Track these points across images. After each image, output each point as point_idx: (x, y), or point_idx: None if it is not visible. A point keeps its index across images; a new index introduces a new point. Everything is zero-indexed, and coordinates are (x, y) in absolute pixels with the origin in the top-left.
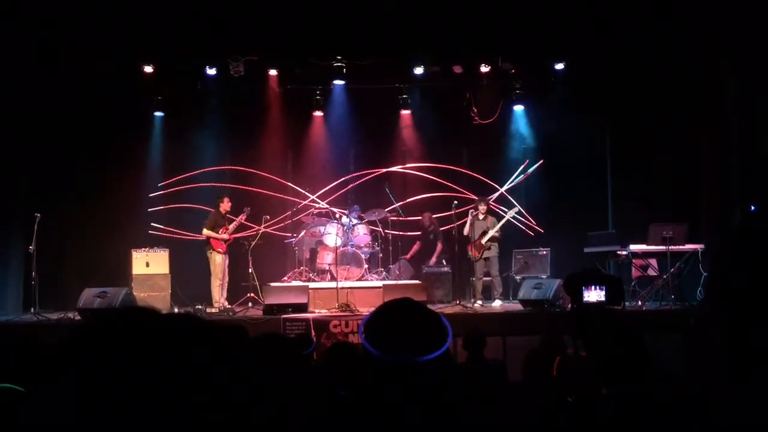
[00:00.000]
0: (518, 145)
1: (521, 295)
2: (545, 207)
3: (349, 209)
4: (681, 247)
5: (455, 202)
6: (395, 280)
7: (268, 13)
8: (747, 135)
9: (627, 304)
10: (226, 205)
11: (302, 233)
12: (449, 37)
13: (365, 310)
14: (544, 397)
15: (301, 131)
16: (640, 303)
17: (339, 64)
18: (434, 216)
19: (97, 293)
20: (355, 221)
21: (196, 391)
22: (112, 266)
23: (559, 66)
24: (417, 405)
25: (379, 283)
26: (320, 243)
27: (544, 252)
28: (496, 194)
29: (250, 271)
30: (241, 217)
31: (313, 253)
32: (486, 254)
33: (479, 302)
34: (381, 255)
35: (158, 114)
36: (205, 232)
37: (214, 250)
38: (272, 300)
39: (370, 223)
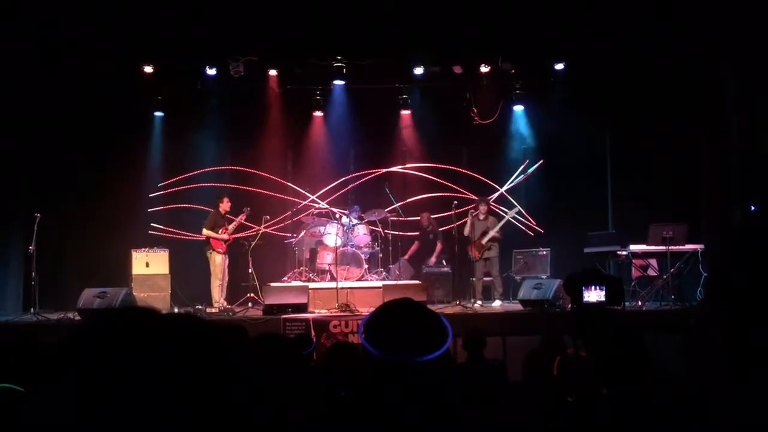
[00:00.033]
0: (518, 145)
1: (521, 295)
2: (545, 207)
3: (350, 209)
4: (681, 247)
5: (455, 202)
6: (395, 280)
7: (268, 13)
8: (747, 135)
9: (627, 304)
10: (225, 206)
11: (302, 233)
12: (449, 37)
13: (365, 311)
14: (544, 397)
15: (301, 131)
16: (640, 303)
17: (339, 64)
18: (434, 216)
19: (97, 293)
20: (355, 221)
21: (196, 391)
22: (112, 266)
23: (559, 66)
24: (417, 405)
25: (379, 284)
26: (320, 243)
27: (544, 252)
28: (496, 194)
29: (250, 271)
30: (241, 218)
31: (313, 254)
32: (486, 254)
33: (479, 302)
34: (381, 255)
35: (158, 114)
36: (205, 232)
37: (213, 250)
38: (272, 300)
39: (370, 223)
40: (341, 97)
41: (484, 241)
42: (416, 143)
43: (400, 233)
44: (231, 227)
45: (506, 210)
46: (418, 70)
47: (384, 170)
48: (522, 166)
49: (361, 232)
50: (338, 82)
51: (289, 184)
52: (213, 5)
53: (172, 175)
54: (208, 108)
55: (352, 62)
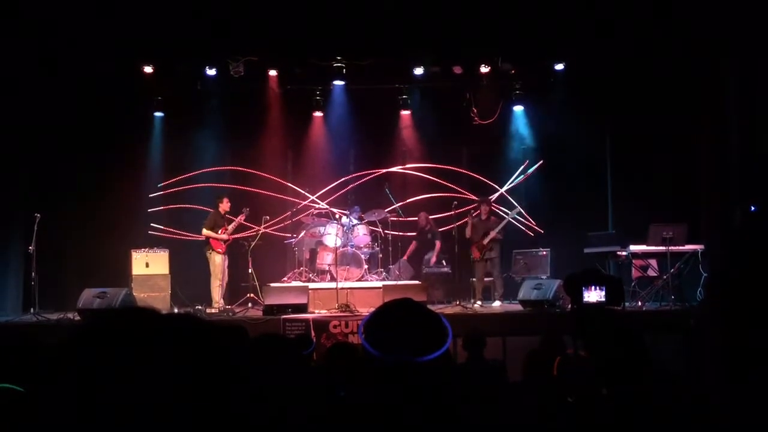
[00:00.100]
0: (518, 146)
1: (521, 295)
2: (545, 207)
3: (350, 210)
4: (681, 247)
5: (455, 202)
6: (395, 280)
7: (268, 13)
8: (747, 135)
9: (627, 304)
10: (225, 206)
11: (302, 234)
12: (449, 37)
13: (365, 311)
14: (544, 397)
15: (301, 131)
16: (640, 303)
17: (339, 64)
18: (434, 217)
19: (97, 294)
20: (354, 222)
21: (196, 391)
22: (111, 267)
23: (559, 66)
24: (417, 405)
25: (379, 284)
26: (320, 243)
27: (544, 252)
28: (496, 195)
29: (249, 271)
30: (240, 218)
31: (313, 254)
32: (487, 255)
33: (479, 303)
34: (381, 255)
35: (158, 114)
36: (205, 232)
37: (213, 250)
38: (272, 300)
39: (370, 223)
40: (341, 98)
41: (485, 241)
42: (416, 143)
43: (400, 233)
44: (230, 227)
45: (507, 211)
46: (418, 70)
47: (384, 170)
48: (522, 167)
49: (361, 233)
50: (338, 83)
51: (289, 184)
52: (213, 5)
53: (172, 175)
54: (208, 108)
55: (352, 62)
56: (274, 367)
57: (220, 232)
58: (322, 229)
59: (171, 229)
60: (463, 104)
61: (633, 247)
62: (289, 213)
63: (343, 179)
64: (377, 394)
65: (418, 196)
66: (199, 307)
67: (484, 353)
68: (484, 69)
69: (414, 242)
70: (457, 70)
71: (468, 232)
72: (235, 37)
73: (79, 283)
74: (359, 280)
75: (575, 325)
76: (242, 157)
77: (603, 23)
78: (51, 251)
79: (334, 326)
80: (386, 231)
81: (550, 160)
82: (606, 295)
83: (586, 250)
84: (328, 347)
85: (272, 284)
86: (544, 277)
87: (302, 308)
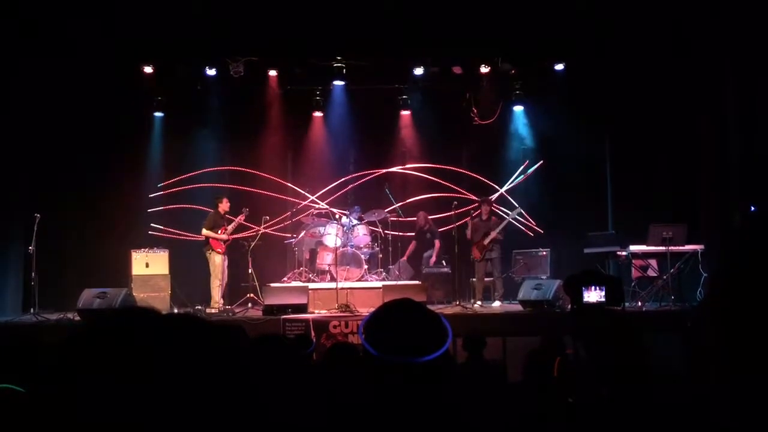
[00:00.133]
0: (518, 146)
1: (521, 295)
2: (545, 208)
3: (350, 210)
4: (681, 247)
5: (455, 202)
6: (395, 280)
7: (268, 13)
8: (747, 135)
9: (627, 304)
10: (224, 206)
11: (302, 234)
12: (449, 37)
13: (365, 311)
14: (544, 397)
15: (301, 131)
16: (640, 304)
17: (339, 64)
18: (434, 217)
19: (97, 294)
20: (354, 222)
21: (196, 391)
22: (111, 267)
23: (559, 66)
24: (417, 405)
25: (379, 284)
26: (320, 243)
27: (544, 253)
28: (496, 195)
29: (249, 271)
30: (240, 218)
31: (313, 254)
32: (488, 255)
33: (479, 303)
34: (381, 255)
35: (158, 114)
36: (205, 232)
37: (213, 250)
38: (272, 300)
39: (370, 223)
40: (341, 98)
41: (486, 242)
42: (416, 144)
43: (400, 234)
44: (230, 227)
45: (507, 211)
46: (418, 71)
47: (384, 170)
48: (522, 167)
49: (361, 233)
50: (338, 83)
51: (289, 184)
52: (213, 5)
53: (172, 175)
54: (208, 108)
55: (351, 62)
56: (274, 367)
57: (219, 232)
58: (322, 229)
59: (171, 230)
60: (463, 104)
61: (633, 248)
62: (289, 213)
63: (343, 179)
64: (377, 395)
65: (418, 196)
66: (199, 307)
67: (484, 353)
68: (484, 69)
69: (413, 242)
70: (457, 70)
71: (469, 232)
72: (235, 37)
73: (79, 283)
74: (359, 280)
75: (575, 326)
76: (242, 157)
77: (603, 23)
78: (51, 251)
79: (334, 326)
80: (386, 231)
81: (550, 160)
82: (606, 296)
83: (586, 251)
84: (328, 347)
85: (272, 284)
86: (544, 277)
87: (302, 308)
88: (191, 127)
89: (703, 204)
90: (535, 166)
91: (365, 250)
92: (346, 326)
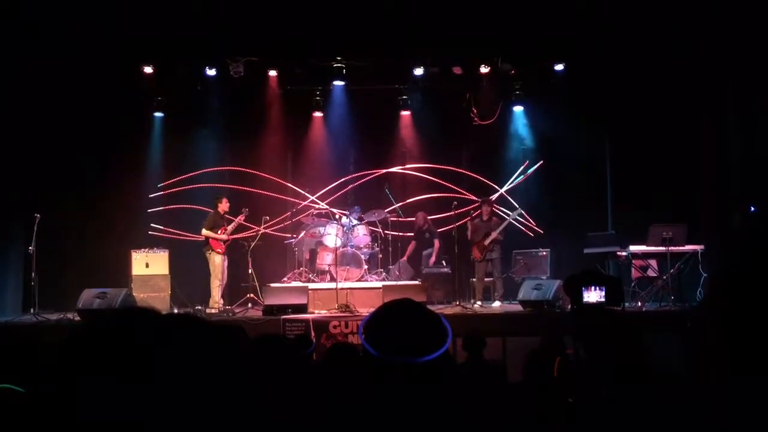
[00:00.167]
0: (518, 146)
1: (521, 296)
2: (545, 208)
3: (350, 210)
4: (681, 247)
5: (455, 202)
6: (395, 280)
7: (268, 13)
8: (747, 135)
9: (627, 304)
10: (224, 206)
11: (302, 234)
12: (449, 37)
13: (365, 311)
14: (544, 397)
15: (300, 132)
16: (640, 304)
17: (339, 64)
18: (434, 217)
19: (97, 294)
20: (354, 222)
21: (196, 391)
22: (111, 267)
23: (559, 67)
24: (417, 405)
25: (379, 284)
26: (320, 244)
27: (544, 253)
28: (496, 195)
29: (249, 271)
30: (240, 218)
31: (313, 254)
32: (488, 256)
33: (479, 303)
34: (381, 256)
35: (158, 114)
36: (204, 232)
37: (213, 250)
38: (272, 301)
39: (370, 223)
40: (341, 98)
41: (487, 242)
42: (416, 144)
43: (400, 234)
44: (230, 228)
45: (508, 212)
46: (418, 71)
47: (384, 171)
48: (522, 167)
49: (361, 233)
50: (338, 83)
51: (289, 184)
52: (213, 5)
53: (173, 175)
54: (208, 108)
55: (351, 62)
56: (274, 368)
57: (219, 232)
58: (322, 229)
59: (171, 230)
60: (463, 105)
61: (633, 248)
62: (289, 213)
63: (343, 179)
64: (377, 395)
65: (418, 196)
66: (199, 308)
67: (484, 353)
68: (484, 69)
69: (413, 242)
70: (457, 70)
71: (469, 233)
72: (235, 37)
73: (79, 283)
74: (359, 280)
75: (575, 326)
76: (242, 157)
77: (603, 23)
78: (51, 251)
79: (334, 326)
80: (386, 231)
81: (550, 160)
82: (606, 296)
83: (585, 251)
84: (328, 347)
85: (272, 284)
86: (544, 277)
87: (302, 308)
88: (191, 127)
89: (703, 204)
90: (535, 167)
91: (365, 250)
92: (346, 326)
